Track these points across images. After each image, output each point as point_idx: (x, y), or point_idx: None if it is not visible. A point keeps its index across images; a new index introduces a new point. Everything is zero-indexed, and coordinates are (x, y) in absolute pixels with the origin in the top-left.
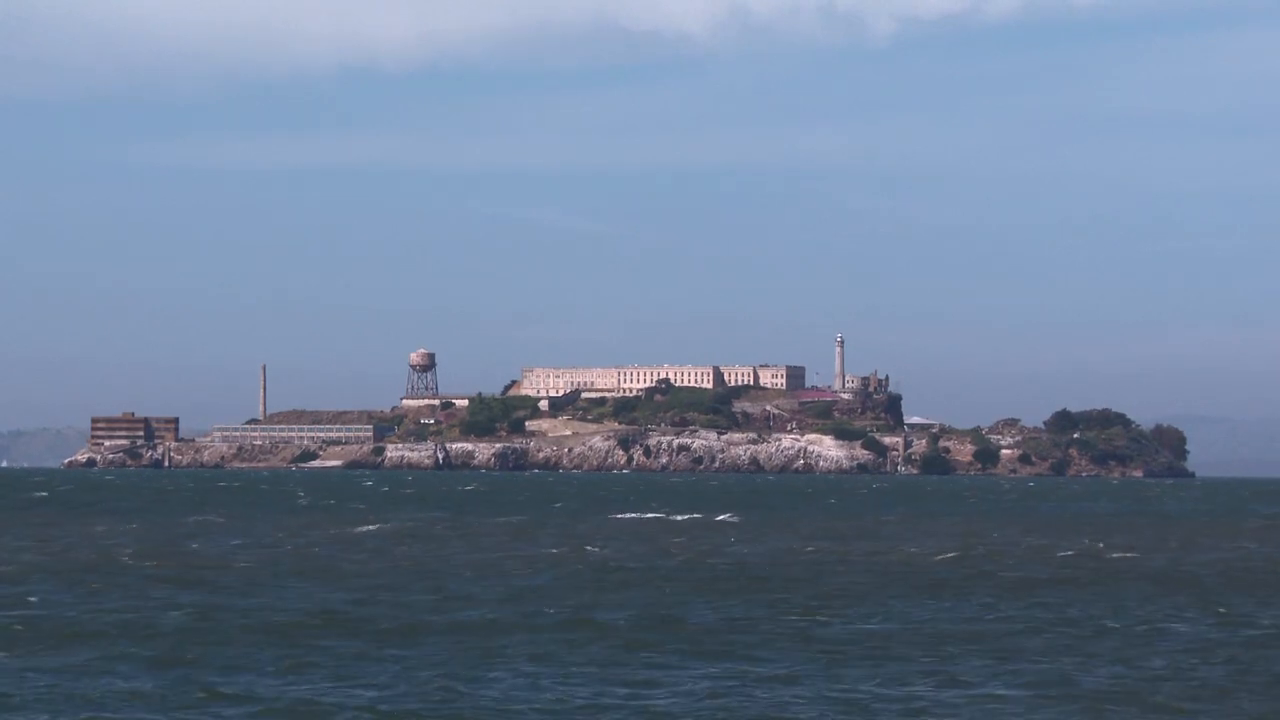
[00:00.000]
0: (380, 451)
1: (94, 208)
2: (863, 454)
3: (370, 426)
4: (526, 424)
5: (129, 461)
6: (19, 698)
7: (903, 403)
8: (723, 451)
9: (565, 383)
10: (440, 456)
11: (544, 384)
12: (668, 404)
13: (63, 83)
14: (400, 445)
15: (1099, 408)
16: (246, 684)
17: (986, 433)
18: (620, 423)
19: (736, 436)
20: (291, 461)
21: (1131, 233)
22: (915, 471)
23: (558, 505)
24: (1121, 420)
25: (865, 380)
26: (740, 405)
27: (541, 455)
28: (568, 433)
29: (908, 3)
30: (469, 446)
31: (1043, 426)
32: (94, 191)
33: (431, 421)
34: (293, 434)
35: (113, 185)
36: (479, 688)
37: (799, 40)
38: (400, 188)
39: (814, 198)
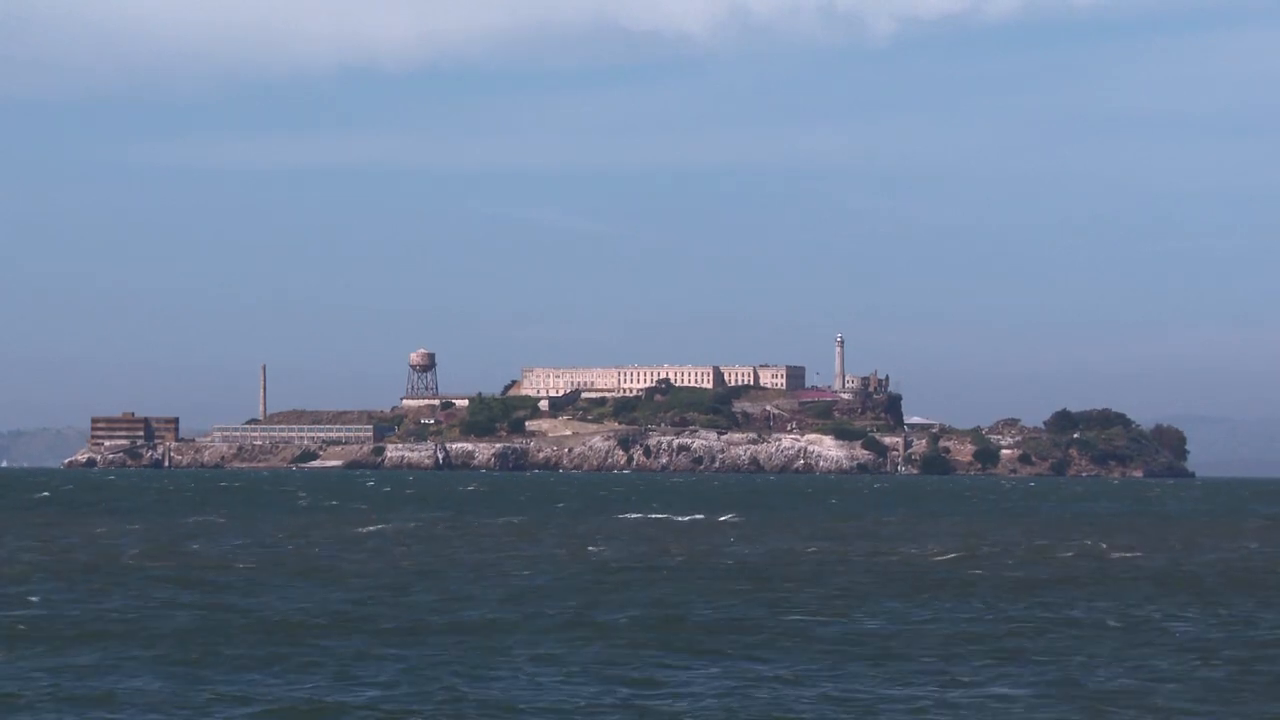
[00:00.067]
0: (380, 451)
1: (94, 208)
2: (863, 454)
3: (370, 426)
4: (526, 424)
5: (129, 461)
6: (24, 699)
7: (903, 403)
8: (723, 451)
9: (565, 383)
10: (440, 456)
11: (544, 384)
12: (668, 404)
13: (63, 83)
14: (400, 445)
15: (1099, 408)
16: (249, 684)
17: (986, 433)
18: (620, 423)
19: (736, 436)
20: (291, 462)
21: (1131, 233)
22: (915, 471)
23: (559, 505)
24: (1121, 420)
25: (865, 380)
26: (740, 405)
27: (541, 455)
28: (568, 433)
29: (908, 3)
30: (469, 446)
31: (1043, 426)
32: (94, 191)
33: (431, 421)
34: (293, 434)
35: (113, 185)
36: (481, 688)
37: (799, 40)
38: (400, 188)
39: (814, 198)
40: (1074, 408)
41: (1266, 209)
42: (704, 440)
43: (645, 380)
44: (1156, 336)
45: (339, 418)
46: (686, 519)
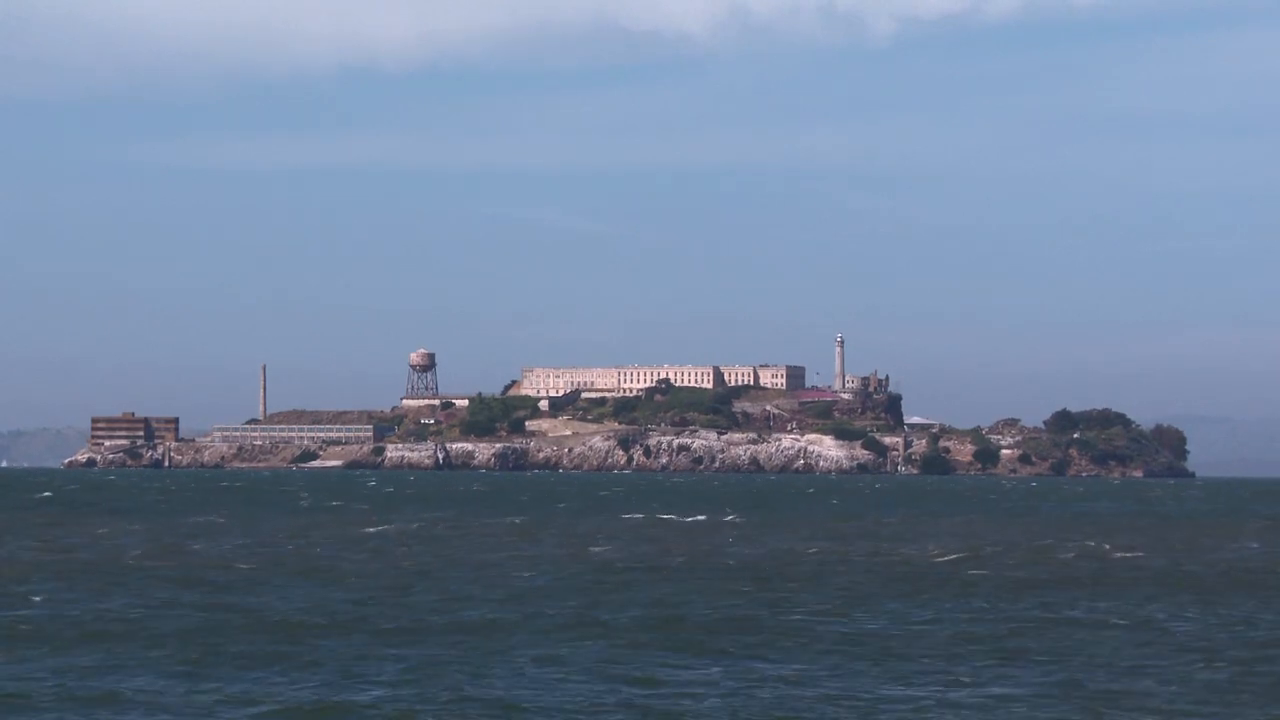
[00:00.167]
0: (380, 451)
1: (94, 208)
2: (863, 454)
3: (370, 426)
4: (526, 424)
5: (129, 461)
6: (28, 699)
7: (903, 403)
8: (723, 451)
9: (565, 383)
10: (440, 456)
11: (544, 384)
12: (668, 404)
13: (63, 83)
14: (400, 445)
15: (1099, 408)
16: (252, 684)
17: (986, 433)
18: (620, 423)
19: (736, 436)
20: (291, 462)
21: (1131, 233)
22: (915, 471)
23: (560, 506)
24: (1121, 420)
25: (865, 380)
26: (740, 405)
27: (541, 455)
28: (568, 433)
29: (908, 3)
30: (469, 446)
31: (1043, 426)
32: (94, 191)
33: (431, 421)
34: (293, 434)
35: (113, 185)
36: (483, 688)
37: (799, 40)
38: (400, 188)
39: (814, 198)
40: (1074, 408)
41: (1266, 209)
42: (704, 440)
43: (645, 380)
44: (1156, 336)
45: (339, 418)
46: (688, 519)
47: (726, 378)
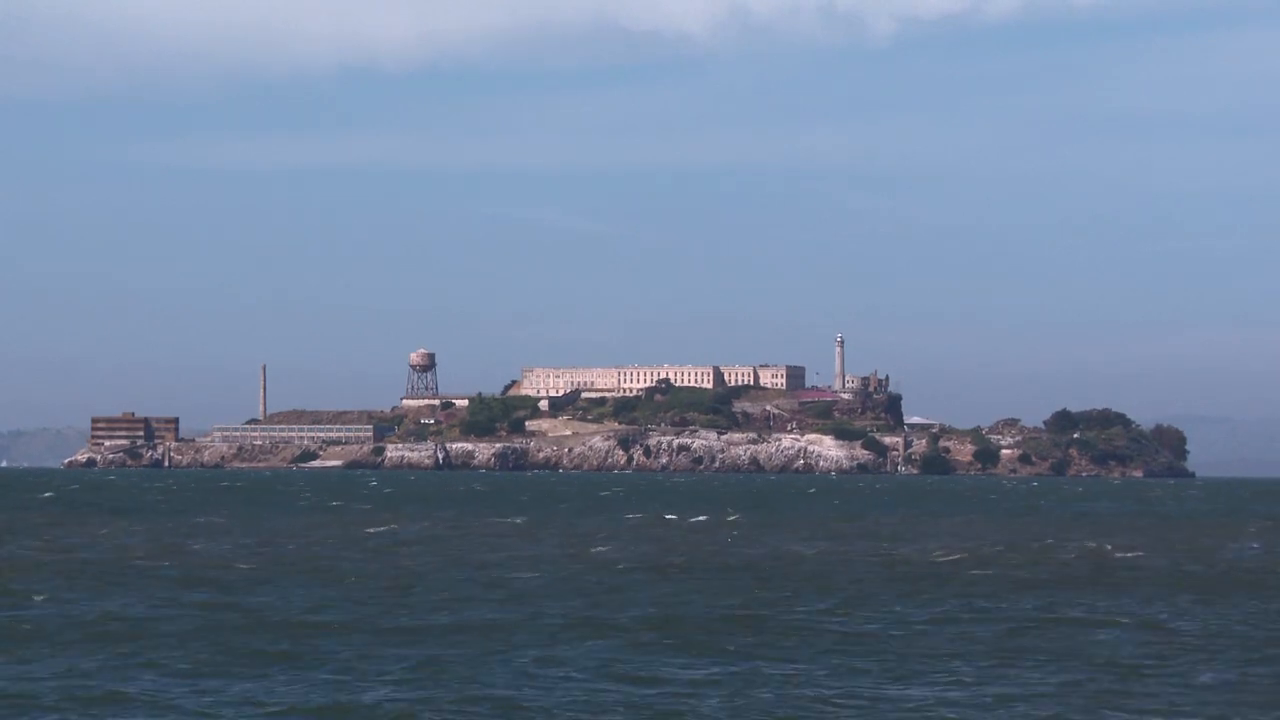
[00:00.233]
0: (380, 451)
1: (94, 208)
2: (863, 454)
3: (370, 426)
4: (526, 424)
5: (129, 461)
6: (32, 699)
7: (903, 403)
8: (723, 451)
9: (565, 383)
10: (440, 456)
11: (544, 384)
12: (668, 404)
13: (63, 83)
14: (400, 445)
15: (1099, 408)
16: (255, 684)
17: (986, 433)
18: (620, 423)
19: (736, 436)
20: (291, 461)
21: (1131, 233)
22: (915, 471)
23: (561, 506)
24: (1121, 420)
25: (865, 380)
26: (740, 405)
27: (541, 455)
28: (568, 433)
29: (908, 3)
30: (469, 446)
31: (1043, 426)
32: (94, 191)
33: (431, 421)
34: (293, 434)
35: (113, 185)
36: (486, 688)
37: (799, 40)
38: (400, 188)
39: (814, 198)
40: (1074, 408)
41: (1266, 209)
42: (704, 440)
43: (645, 380)
44: (1156, 336)
45: (339, 418)
46: (691, 519)
47: (726, 378)
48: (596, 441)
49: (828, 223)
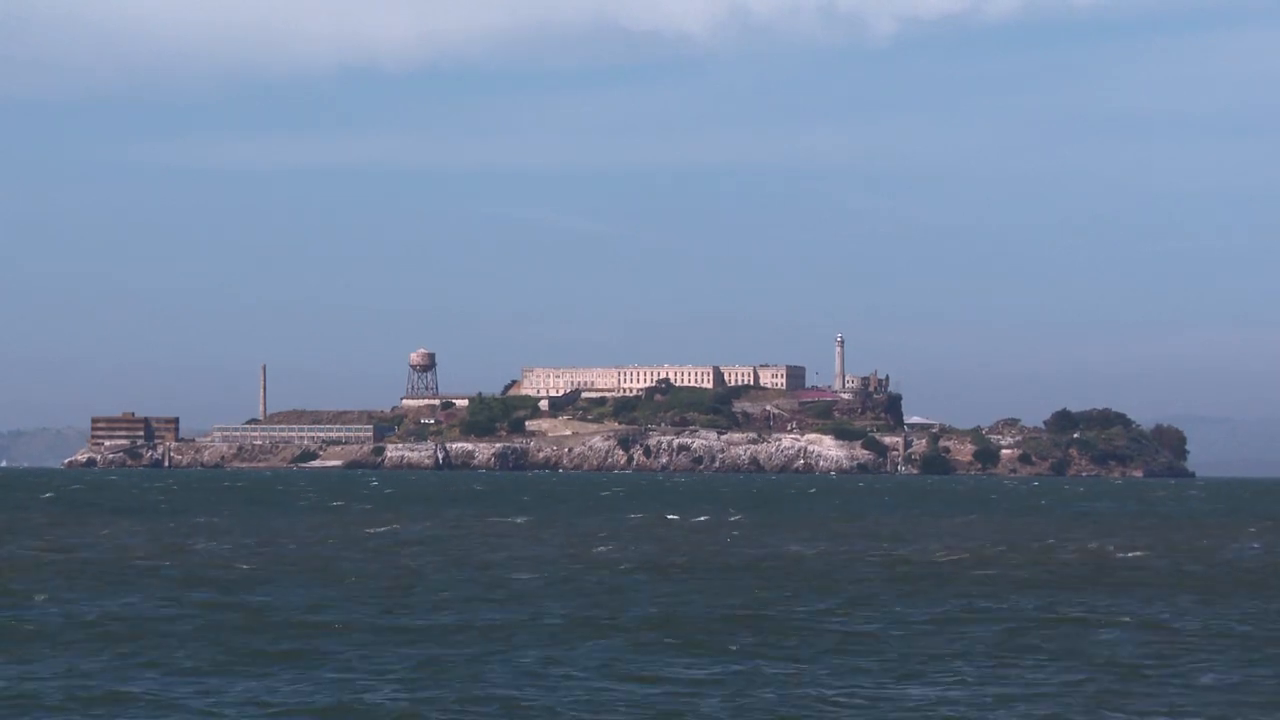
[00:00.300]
0: (380, 451)
1: (94, 208)
2: (863, 454)
3: (370, 426)
4: (526, 424)
5: (129, 461)
6: (35, 699)
7: (903, 403)
8: (723, 451)
9: (565, 383)
10: (440, 456)
11: (544, 384)
12: (668, 404)
13: (63, 83)
14: (400, 445)
15: (1099, 408)
16: (259, 684)
17: (986, 433)
18: (620, 423)
19: (736, 436)
20: (291, 461)
21: (1131, 233)
22: (915, 471)
23: (563, 506)
24: (1121, 420)
25: (865, 380)
26: (740, 405)
27: (541, 455)
28: (568, 433)
29: (908, 3)
30: (469, 446)
31: (1043, 426)
32: (94, 191)
33: (431, 421)
34: (293, 434)
35: (113, 185)
36: (488, 687)
37: (799, 40)
38: (400, 188)
39: (814, 198)
40: (1074, 408)
41: (1266, 209)
42: (704, 440)
43: (645, 380)
44: (1156, 336)
45: (339, 418)
46: (692, 519)
47: (726, 378)
48: (596, 441)
49: (828, 223)
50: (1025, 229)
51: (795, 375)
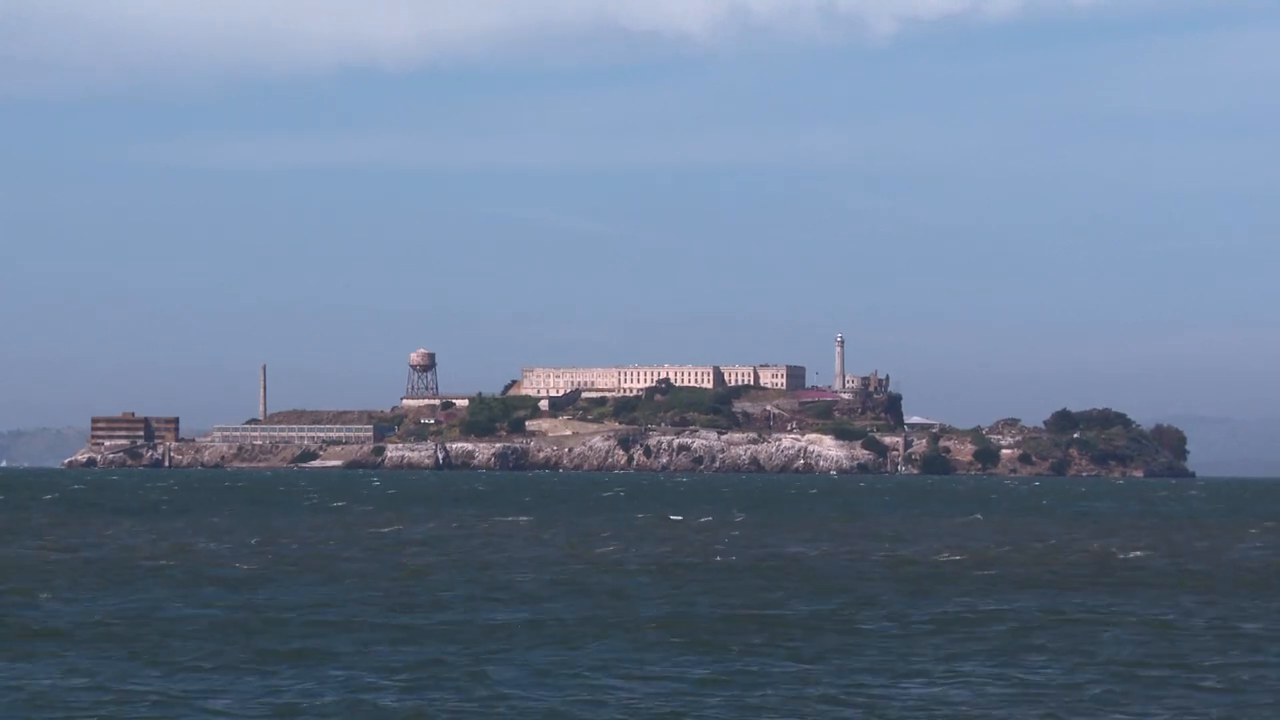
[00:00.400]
0: (380, 451)
1: (94, 208)
2: (863, 454)
3: (370, 426)
4: (527, 424)
5: (129, 461)
6: (39, 699)
7: (903, 403)
8: (723, 451)
9: (565, 383)
10: (440, 456)
11: (544, 384)
12: (668, 404)
13: (63, 83)
14: (400, 445)
15: (1099, 408)
16: (259, 684)
17: (986, 433)
18: (620, 423)
19: (737, 436)
20: (292, 461)
21: (1131, 233)
22: (915, 471)
23: (564, 506)
24: (1121, 420)
25: (865, 380)
26: (740, 405)
27: (542, 455)
28: (568, 433)
29: (908, 3)
30: (469, 446)
31: (1043, 426)
32: (94, 191)
33: (431, 421)
34: (293, 434)
35: (113, 185)
36: (490, 687)
37: (799, 40)
38: (400, 188)
39: (814, 198)
40: (1074, 408)
41: (1266, 209)
42: (704, 440)
43: (645, 380)
44: (1156, 336)
45: (339, 418)
46: (696, 520)
47: (726, 378)
48: (597, 441)
49: (828, 223)
50: (1025, 229)
51: (795, 375)
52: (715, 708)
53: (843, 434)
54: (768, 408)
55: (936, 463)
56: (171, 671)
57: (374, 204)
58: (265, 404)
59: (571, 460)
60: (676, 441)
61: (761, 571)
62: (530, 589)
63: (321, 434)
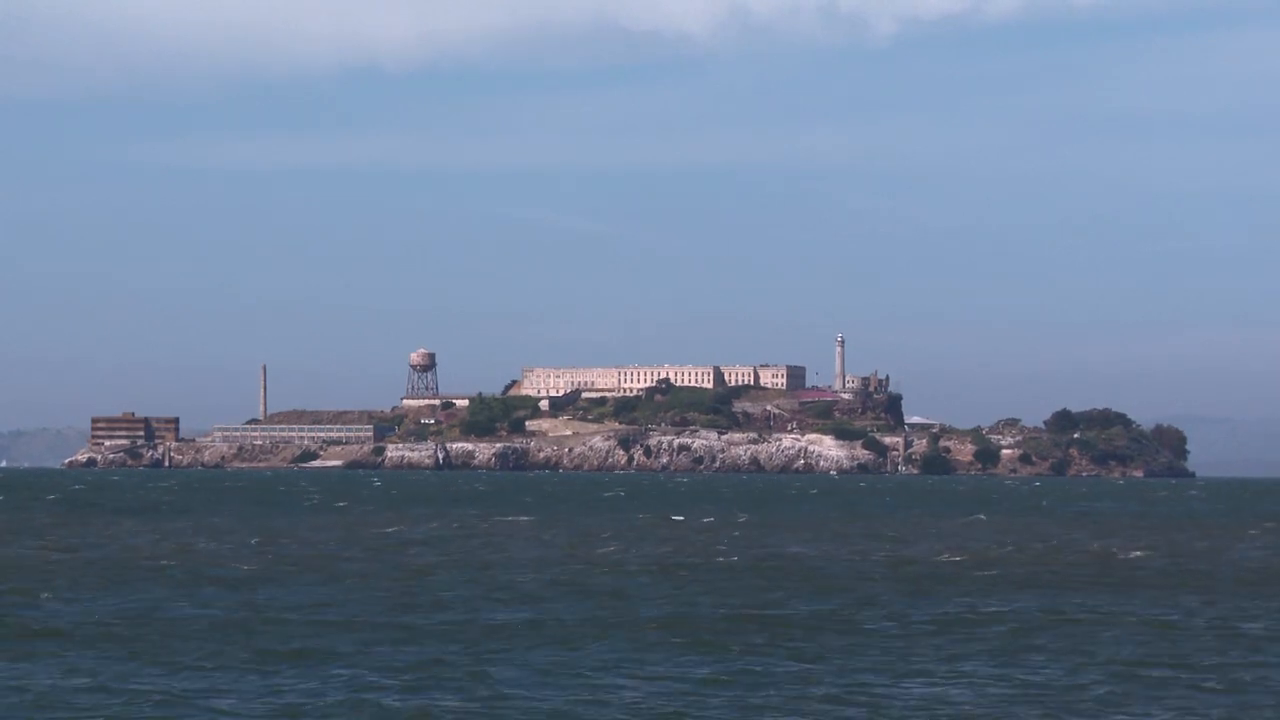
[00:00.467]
0: (380, 451)
1: (94, 208)
2: (863, 454)
3: (370, 426)
4: (527, 424)
5: (129, 461)
6: (41, 699)
7: (903, 403)
8: (723, 451)
9: (565, 383)
10: (440, 456)
11: (544, 384)
12: (668, 404)
13: (63, 83)
14: (400, 445)
15: (1099, 408)
16: (261, 683)
17: (987, 433)
18: (621, 423)
19: (737, 436)
20: (292, 461)
21: (1131, 233)
22: (915, 471)
23: (565, 506)
24: (1121, 420)
25: (865, 380)
26: (740, 405)
27: (542, 455)
28: (568, 433)
29: (908, 3)
30: (469, 446)
31: (1043, 426)
32: (94, 191)
33: (432, 421)
34: (293, 434)
35: (113, 185)
36: (491, 687)
37: (799, 40)
38: (400, 188)
39: (814, 198)
40: (1074, 408)
41: (1266, 209)
42: (704, 440)
43: (645, 380)
44: (1156, 336)
45: (339, 418)
46: (698, 520)
47: (726, 378)
48: (597, 441)
49: (828, 223)
50: (1025, 229)
51: (795, 375)
52: (718, 708)
53: (843, 434)
54: (768, 408)
55: (937, 463)
56: (173, 671)
57: (374, 204)
58: (265, 404)
59: (572, 460)
60: (677, 442)
61: (762, 572)
62: (531, 589)
63: (322, 434)
